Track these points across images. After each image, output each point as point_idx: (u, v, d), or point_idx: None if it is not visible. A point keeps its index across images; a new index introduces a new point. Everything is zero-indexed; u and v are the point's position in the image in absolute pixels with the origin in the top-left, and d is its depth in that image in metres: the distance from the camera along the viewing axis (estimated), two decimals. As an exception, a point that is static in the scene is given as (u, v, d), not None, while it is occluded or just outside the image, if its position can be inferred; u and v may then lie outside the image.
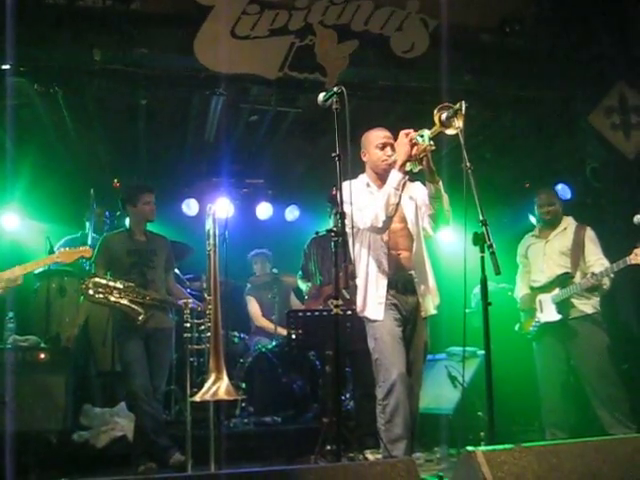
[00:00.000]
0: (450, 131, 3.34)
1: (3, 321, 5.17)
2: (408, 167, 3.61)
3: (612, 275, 4.52)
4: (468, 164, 3.15)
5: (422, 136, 3.53)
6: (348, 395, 5.69)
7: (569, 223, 4.91)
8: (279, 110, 6.11)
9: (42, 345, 5.07)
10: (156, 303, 4.66)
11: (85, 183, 6.48)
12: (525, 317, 4.94)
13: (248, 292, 6.84)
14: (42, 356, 4.83)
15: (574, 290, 4.60)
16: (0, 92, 5.07)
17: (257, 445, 5.18)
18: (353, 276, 3.74)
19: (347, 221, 3.46)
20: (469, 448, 2.31)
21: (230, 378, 3.51)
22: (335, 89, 3.46)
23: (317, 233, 6.01)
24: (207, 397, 3.39)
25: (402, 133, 3.60)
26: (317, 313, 5.13)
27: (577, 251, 4.76)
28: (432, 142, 3.52)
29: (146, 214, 4.86)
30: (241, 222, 7.11)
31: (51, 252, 5.50)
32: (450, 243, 6.74)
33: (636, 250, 4.24)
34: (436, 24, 5.43)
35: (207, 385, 3.43)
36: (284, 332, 5.61)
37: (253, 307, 6.77)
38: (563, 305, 4.65)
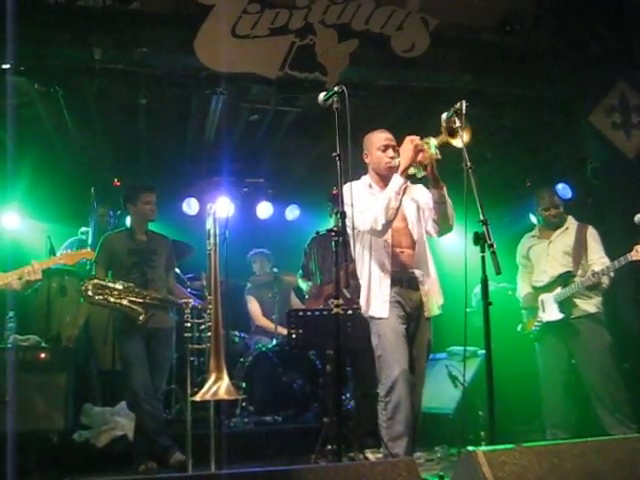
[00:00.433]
0: (456, 142, 3.33)
1: (4, 321, 5.16)
2: (412, 171, 3.62)
3: (612, 273, 4.51)
4: (469, 164, 3.16)
5: (428, 143, 3.54)
6: (349, 395, 5.69)
7: (571, 223, 4.91)
8: (279, 109, 6.10)
9: (43, 345, 5.06)
10: (156, 302, 4.66)
11: (85, 182, 6.47)
12: (527, 316, 4.93)
13: (248, 291, 6.84)
14: (43, 356, 4.82)
15: (575, 289, 4.59)
16: (0, 91, 5.06)
17: (257, 445, 5.18)
18: (354, 275, 3.75)
19: (348, 222, 3.47)
20: (470, 448, 2.31)
21: (230, 378, 3.51)
22: (336, 88, 3.47)
23: (318, 232, 6.01)
24: (207, 397, 3.38)
25: (408, 139, 3.61)
26: (317, 312, 5.12)
27: (580, 250, 4.75)
28: (437, 151, 3.53)
29: (146, 213, 4.86)
30: (241, 221, 7.10)
31: (52, 252, 5.52)
32: (451, 242, 6.73)
33: (637, 247, 4.23)
34: (437, 23, 5.43)
35: (207, 384, 3.42)
36: (284, 331, 5.60)
37: (253, 306, 6.77)
38: (565, 304, 4.65)
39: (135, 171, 7.17)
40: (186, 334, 4.14)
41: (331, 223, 5.49)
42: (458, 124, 3.31)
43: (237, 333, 6.37)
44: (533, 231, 5.10)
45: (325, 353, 4.89)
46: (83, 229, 6.23)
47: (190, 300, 4.32)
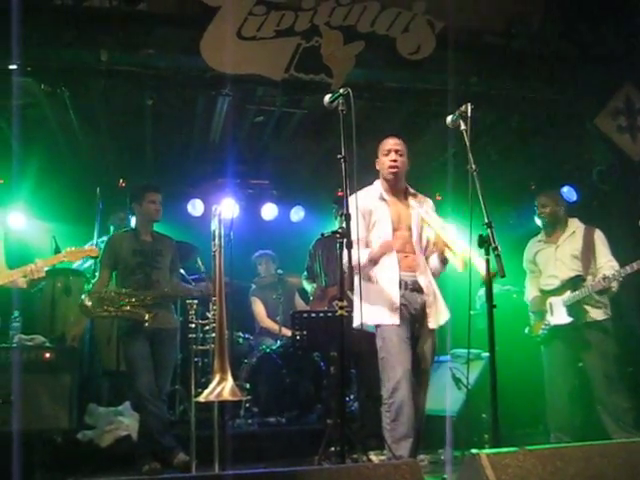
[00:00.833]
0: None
1: (8, 320, 5.18)
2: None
3: (621, 279, 4.50)
4: (473, 166, 3.16)
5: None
6: (352, 396, 5.68)
7: (577, 226, 4.87)
8: (285, 111, 6.11)
9: (47, 344, 5.07)
10: (158, 301, 4.65)
11: (91, 183, 6.50)
12: (535, 319, 4.90)
13: (253, 293, 6.84)
14: (47, 355, 4.83)
15: (585, 293, 4.56)
16: (7, 92, 5.07)
17: (261, 446, 5.18)
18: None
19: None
20: (473, 451, 2.31)
21: (234, 379, 3.52)
22: (341, 90, 3.48)
23: (322, 234, 5.99)
24: (211, 397, 3.40)
25: (387, 243, 3.83)
26: (322, 314, 5.13)
27: (588, 253, 4.72)
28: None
29: (151, 213, 4.84)
30: (246, 223, 7.11)
31: (57, 252, 5.52)
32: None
33: None
34: (442, 26, 5.42)
35: (212, 385, 3.43)
36: (289, 333, 5.61)
37: (258, 308, 6.77)
38: (574, 308, 4.61)
39: (140, 172, 7.18)
40: (190, 335, 4.16)
41: (336, 225, 5.49)
42: (463, 127, 3.31)
43: (241, 334, 6.37)
44: (539, 235, 5.06)
45: (329, 355, 4.90)
46: (104, 238, 6.22)
47: (194, 302, 4.30)
